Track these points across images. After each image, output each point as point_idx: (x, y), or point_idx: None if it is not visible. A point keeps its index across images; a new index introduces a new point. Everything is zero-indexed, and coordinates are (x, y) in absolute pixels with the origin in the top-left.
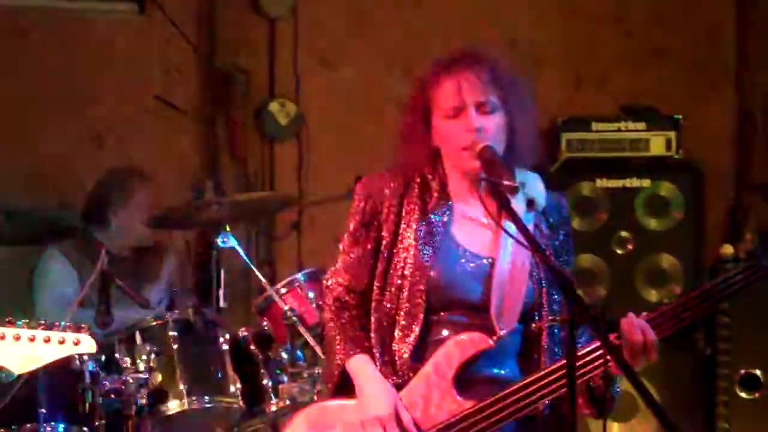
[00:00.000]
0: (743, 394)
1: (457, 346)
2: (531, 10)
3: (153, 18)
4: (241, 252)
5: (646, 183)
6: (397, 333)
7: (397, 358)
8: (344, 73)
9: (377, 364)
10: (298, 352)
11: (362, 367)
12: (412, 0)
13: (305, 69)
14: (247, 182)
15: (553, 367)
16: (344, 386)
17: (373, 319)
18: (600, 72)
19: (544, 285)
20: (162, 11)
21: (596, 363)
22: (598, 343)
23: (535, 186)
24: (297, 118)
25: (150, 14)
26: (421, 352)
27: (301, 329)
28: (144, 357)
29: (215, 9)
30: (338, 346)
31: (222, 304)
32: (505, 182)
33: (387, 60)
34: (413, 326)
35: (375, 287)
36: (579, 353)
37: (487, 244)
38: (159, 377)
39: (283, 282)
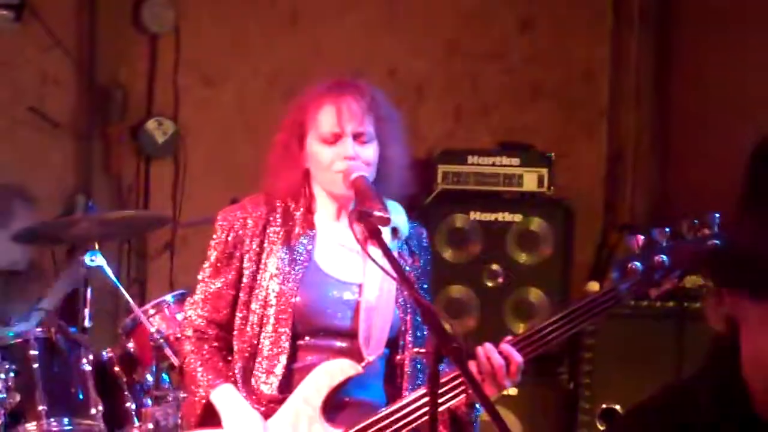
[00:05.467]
0: (603, 428)
1: (325, 373)
2: (411, 42)
3: (30, 27)
4: (108, 271)
5: (518, 218)
6: (262, 363)
7: (262, 389)
8: (224, 94)
9: (241, 394)
10: (164, 375)
11: (227, 397)
12: (294, 25)
13: (185, 87)
14: (121, 200)
15: (416, 395)
16: (208, 419)
17: (235, 349)
18: (479, 106)
19: (409, 312)
20: (39, 20)
21: (457, 391)
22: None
23: (398, 215)
24: (174, 136)
25: (27, 23)
26: (287, 379)
27: (168, 352)
28: (2, 376)
29: (95, 21)
30: (201, 378)
31: (87, 323)
32: (378, 214)
33: (267, 83)
34: (279, 356)
35: (237, 318)
36: (441, 380)
37: (353, 270)
38: (17, 397)
39: (151, 303)
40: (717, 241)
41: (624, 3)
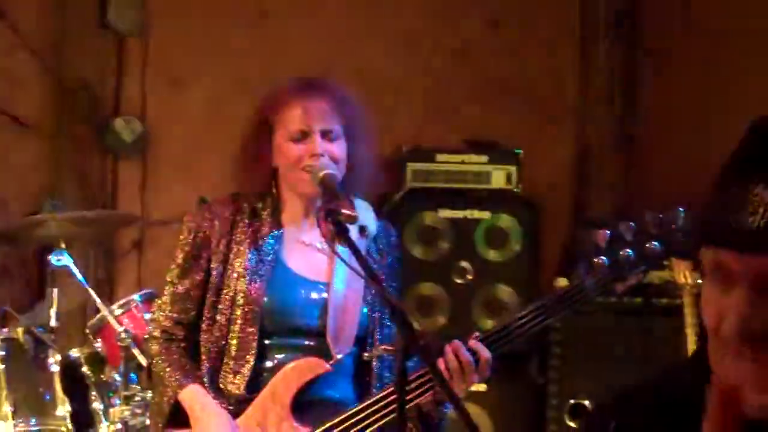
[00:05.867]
0: (572, 424)
1: (294, 372)
2: (380, 41)
3: None
4: (75, 271)
5: (486, 215)
6: (229, 363)
7: (230, 389)
8: (192, 94)
9: (209, 394)
10: (132, 375)
11: (196, 397)
12: (263, 24)
13: (153, 87)
14: (89, 199)
15: (383, 393)
16: (176, 419)
17: (203, 350)
18: (447, 105)
19: (377, 309)
20: (6, 20)
21: (424, 388)
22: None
23: (366, 213)
24: (142, 136)
25: None
26: (255, 378)
27: (136, 351)
28: None
29: (63, 21)
30: (169, 378)
31: (54, 323)
32: (345, 212)
33: (235, 82)
34: (247, 356)
35: (205, 318)
36: (409, 378)
37: (321, 269)
38: None
39: (119, 302)
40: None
41: (592, 2)
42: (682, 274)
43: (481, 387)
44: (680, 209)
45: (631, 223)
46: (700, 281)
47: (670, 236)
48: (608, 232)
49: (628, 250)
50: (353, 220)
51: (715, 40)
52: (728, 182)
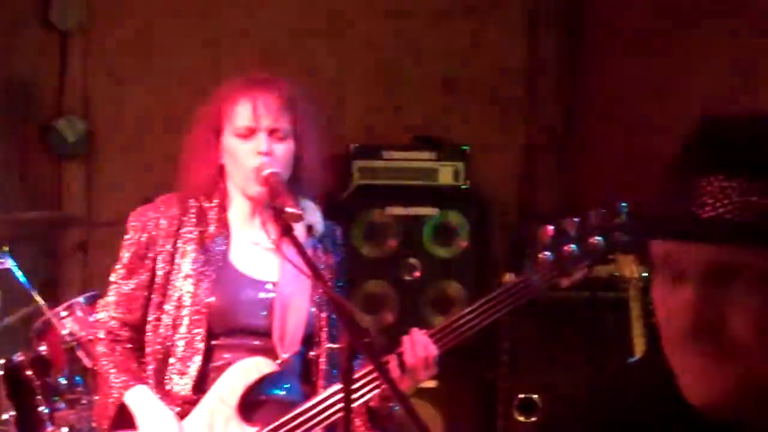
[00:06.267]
0: (521, 418)
1: (240, 372)
2: (328, 39)
3: None
4: (18, 273)
5: (434, 211)
6: (175, 364)
7: (176, 390)
8: (136, 92)
9: (156, 395)
10: (77, 378)
11: (142, 399)
12: (209, 22)
13: (95, 85)
14: (33, 200)
15: (331, 391)
16: (122, 421)
17: (148, 351)
18: (395, 101)
19: (324, 308)
20: None
21: (372, 386)
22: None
23: (312, 212)
24: (86, 135)
25: None
26: (202, 379)
27: (81, 354)
28: None
29: (3, 19)
30: (114, 380)
31: None
32: (289, 210)
33: (180, 80)
34: (194, 356)
35: (151, 319)
36: (355, 376)
37: (268, 269)
38: None
39: (63, 305)
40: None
41: None
42: (628, 267)
43: (431, 383)
44: (623, 204)
45: (575, 219)
46: (645, 275)
47: (613, 231)
48: (552, 227)
49: (572, 245)
50: (298, 218)
51: (658, 38)
52: (677, 176)
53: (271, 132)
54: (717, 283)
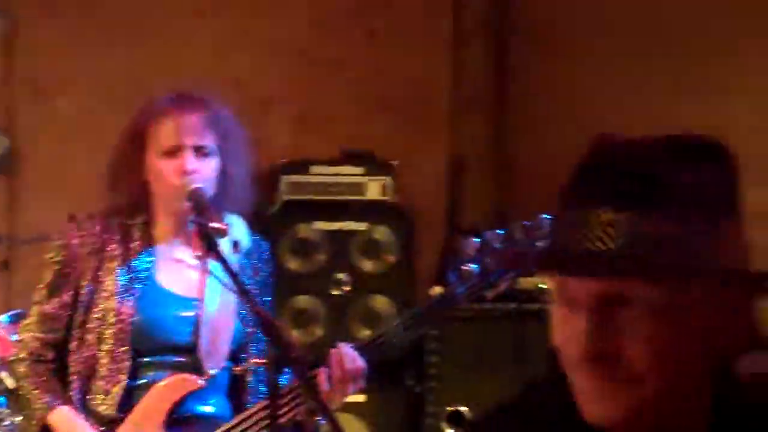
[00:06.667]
0: (450, 431)
1: (166, 389)
2: (256, 51)
3: None
4: None
5: (362, 226)
6: (99, 384)
7: (100, 410)
8: (61, 107)
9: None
10: (0, 399)
11: (66, 419)
12: (136, 34)
13: (19, 99)
14: None
15: (256, 408)
16: None
17: (72, 370)
18: (323, 116)
19: (250, 325)
20: None
21: (298, 401)
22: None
23: (239, 228)
24: (8, 151)
25: None
26: (127, 398)
27: (3, 374)
28: None
29: None
30: (38, 401)
31: None
32: (213, 225)
33: (107, 94)
34: (118, 376)
35: (74, 338)
36: (282, 391)
37: (193, 285)
38: None
39: None
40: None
41: (463, 15)
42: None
43: (360, 398)
44: (546, 216)
45: (500, 231)
46: None
47: (534, 244)
48: (477, 240)
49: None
50: (223, 233)
51: (587, 50)
52: (568, 207)
53: (196, 150)
54: (609, 313)
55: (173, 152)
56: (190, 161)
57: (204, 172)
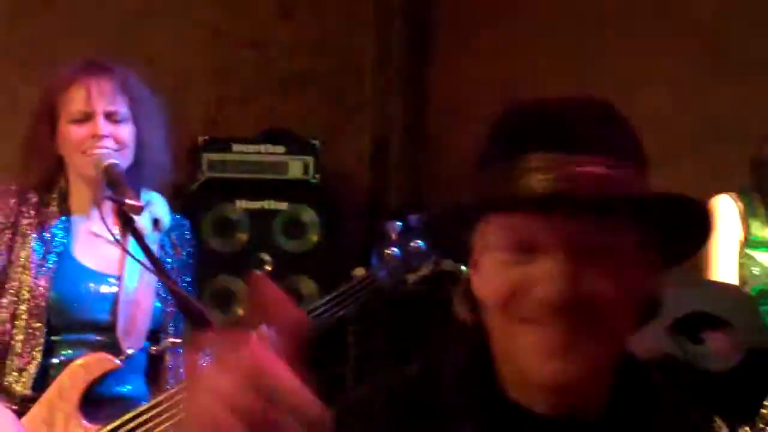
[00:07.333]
0: None
1: (82, 368)
2: (173, 30)
3: None
4: None
5: (284, 206)
6: (14, 361)
7: (15, 387)
8: None
9: None
10: None
11: None
12: (50, 12)
13: None
14: None
15: (175, 389)
16: None
17: None
18: (242, 95)
19: (169, 304)
20: None
21: None
22: None
23: (159, 206)
24: None
25: None
26: (42, 376)
27: None
28: None
29: None
30: None
31: None
32: (129, 202)
33: (21, 71)
34: (33, 353)
35: None
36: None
37: (112, 262)
38: None
39: None
40: None
41: None
42: None
43: None
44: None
45: (422, 214)
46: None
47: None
48: (399, 223)
49: (418, 241)
50: (138, 210)
51: (508, 31)
52: (500, 156)
53: (108, 115)
54: (586, 256)
55: (84, 119)
56: (103, 126)
57: (118, 138)
